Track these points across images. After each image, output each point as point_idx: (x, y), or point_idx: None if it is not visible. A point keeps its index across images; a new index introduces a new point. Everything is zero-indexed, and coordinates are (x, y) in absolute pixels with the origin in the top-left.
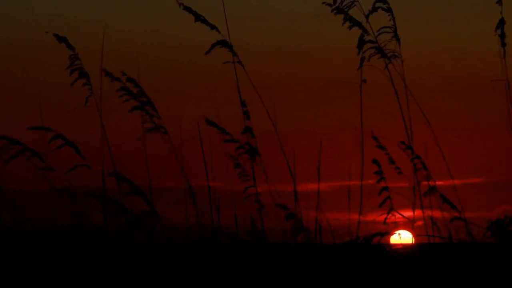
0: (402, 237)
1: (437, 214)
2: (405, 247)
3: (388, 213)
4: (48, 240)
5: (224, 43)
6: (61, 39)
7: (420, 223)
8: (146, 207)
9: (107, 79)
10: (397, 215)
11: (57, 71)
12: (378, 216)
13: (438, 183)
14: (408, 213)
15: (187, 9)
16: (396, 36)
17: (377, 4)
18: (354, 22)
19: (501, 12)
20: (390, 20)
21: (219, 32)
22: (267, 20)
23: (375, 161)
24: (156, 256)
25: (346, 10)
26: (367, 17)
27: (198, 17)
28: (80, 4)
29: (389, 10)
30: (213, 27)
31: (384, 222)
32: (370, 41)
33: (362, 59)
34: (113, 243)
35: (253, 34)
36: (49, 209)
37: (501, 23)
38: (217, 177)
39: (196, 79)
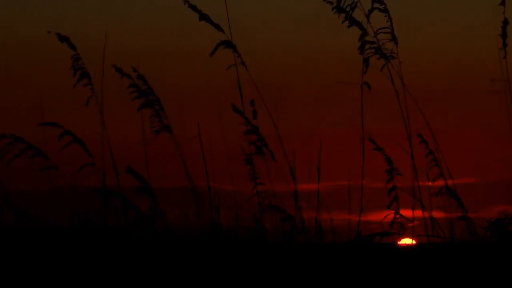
0: (402, 238)
1: (437, 214)
2: (405, 246)
3: (395, 215)
4: (49, 238)
5: (228, 43)
6: (63, 39)
7: (420, 223)
8: (152, 205)
9: (108, 79)
10: (397, 215)
11: (56, 72)
12: (378, 216)
13: (438, 183)
14: (408, 213)
15: (192, 7)
16: (394, 37)
17: (374, 5)
18: (353, 21)
19: (503, 12)
20: (387, 21)
21: (223, 32)
22: (269, 22)
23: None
24: (157, 255)
25: (348, 10)
26: (367, 17)
27: (203, 16)
28: (82, 4)
29: (385, 11)
30: (217, 26)
31: (392, 225)
32: (369, 42)
33: (366, 61)
34: (114, 242)
35: (254, 36)
36: (50, 208)
37: (504, 23)
38: (217, 177)
39: (196, 80)
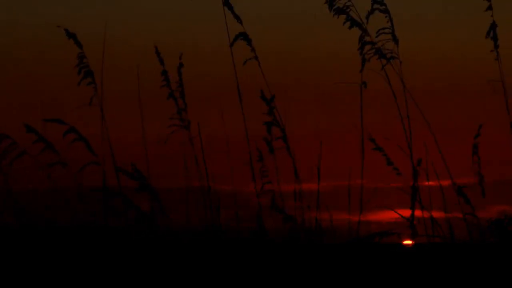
0: (401, 238)
1: (437, 214)
2: (405, 246)
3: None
4: (49, 238)
5: (245, 36)
6: (71, 35)
7: (420, 223)
8: (153, 203)
9: (108, 78)
10: (397, 215)
11: (56, 71)
12: (378, 216)
13: (438, 183)
14: (407, 213)
15: None
16: (394, 37)
17: (374, 6)
18: (354, 23)
19: (492, 16)
20: (387, 22)
21: (241, 23)
22: (270, 23)
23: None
24: (157, 255)
25: (346, 10)
26: (367, 18)
27: (226, 2)
28: (81, 5)
29: (386, 11)
30: (236, 17)
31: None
32: (369, 43)
33: (363, 61)
34: (114, 242)
35: (254, 36)
36: (50, 208)
37: (493, 26)
38: (217, 177)
39: (197, 80)
